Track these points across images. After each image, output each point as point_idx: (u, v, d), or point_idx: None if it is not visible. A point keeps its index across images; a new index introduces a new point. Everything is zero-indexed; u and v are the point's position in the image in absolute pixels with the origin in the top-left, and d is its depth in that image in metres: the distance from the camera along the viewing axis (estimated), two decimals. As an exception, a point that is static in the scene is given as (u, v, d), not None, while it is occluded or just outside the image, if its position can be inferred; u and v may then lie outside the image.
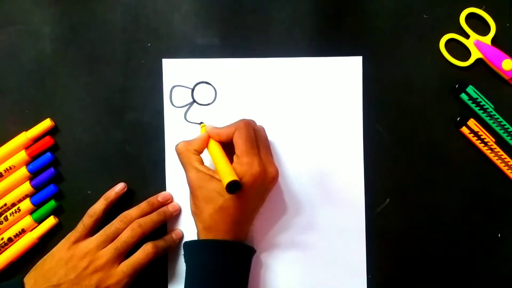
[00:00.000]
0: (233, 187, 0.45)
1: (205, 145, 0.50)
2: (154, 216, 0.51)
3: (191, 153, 0.49)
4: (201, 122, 0.54)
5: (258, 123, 0.54)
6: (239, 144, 0.47)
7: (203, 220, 0.48)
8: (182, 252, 0.53)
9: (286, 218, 0.54)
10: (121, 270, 0.48)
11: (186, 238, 0.54)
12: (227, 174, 0.45)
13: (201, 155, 0.50)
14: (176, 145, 0.50)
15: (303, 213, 0.54)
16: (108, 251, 0.48)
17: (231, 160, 0.48)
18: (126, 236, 0.49)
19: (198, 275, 0.47)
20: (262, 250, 0.54)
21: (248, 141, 0.47)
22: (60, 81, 0.54)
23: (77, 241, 0.49)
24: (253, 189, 0.47)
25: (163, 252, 0.52)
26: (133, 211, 0.51)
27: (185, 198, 0.54)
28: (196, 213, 0.49)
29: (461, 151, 0.54)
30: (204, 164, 0.49)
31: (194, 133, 0.54)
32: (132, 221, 0.50)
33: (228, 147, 0.49)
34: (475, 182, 0.55)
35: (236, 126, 0.48)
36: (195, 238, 0.50)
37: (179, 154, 0.49)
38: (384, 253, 0.54)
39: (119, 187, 0.53)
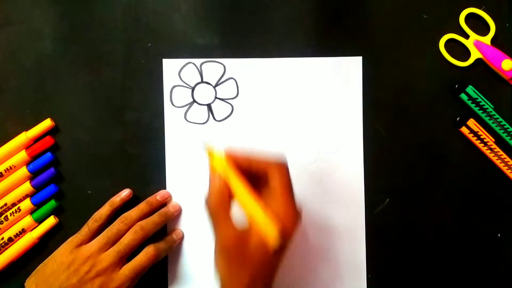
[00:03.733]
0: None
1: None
2: (155, 218, 0.51)
3: (228, 209, 0.41)
4: (208, 145, 0.44)
5: (258, 123, 0.54)
6: (281, 191, 0.41)
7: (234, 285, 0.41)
8: (182, 252, 0.54)
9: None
10: (123, 273, 0.48)
11: (186, 238, 0.54)
12: (272, 235, 0.39)
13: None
14: (207, 201, 0.41)
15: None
16: (110, 255, 0.48)
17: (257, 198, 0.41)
18: (128, 239, 0.49)
19: None
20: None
21: (290, 188, 0.41)
22: (61, 81, 0.54)
23: (80, 244, 0.49)
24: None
25: (165, 254, 0.51)
26: (133, 212, 0.51)
27: (185, 197, 0.54)
28: (225, 278, 0.42)
29: (461, 151, 0.55)
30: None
31: (194, 133, 0.54)
32: (133, 222, 0.50)
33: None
34: (475, 182, 0.55)
35: (276, 166, 0.41)
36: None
37: (213, 214, 0.41)
38: (384, 253, 0.54)
39: (125, 193, 0.52)
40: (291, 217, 0.41)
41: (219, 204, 0.41)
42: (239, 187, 0.40)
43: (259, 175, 0.42)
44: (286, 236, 0.40)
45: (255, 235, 0.40)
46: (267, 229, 0.39)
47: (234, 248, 0.40)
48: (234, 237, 0.40)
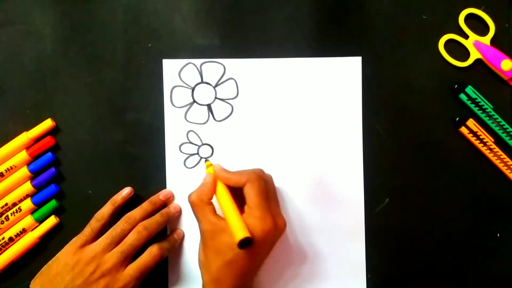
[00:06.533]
0: (245, 243, 0.44)
1: (214, 189, 0.49)
2: (158, 218, 0.51)
3: (205, 204, 0.48)
4: (207, 160, 0.54)
5: (257, 123, 0.54)
6: (252, 197, 0.46)
7: (210, 272, 0.47)
8: (183, 252, 0.54)
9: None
10: (127, 273, 0.48)
11: (187, 239, 0.54)
12: (239, 230, 0.44)
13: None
14: (189, 197, 0.49)
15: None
16: (115, 255, 0.48)
17: (238, 206, 0.47)
18: (132, 239, 0.49)
19: None
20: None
21: (261, 194, 0.46)
22: (61, 81, 0.54)
23: (84, 245, 0.49)
24: (264, 244, 0.47)
25: (168, 253, 0.52)
26: (136, 212, 0.51)
27: (185, 197, 0.54)
28: (204, 263, 0.48)
29: (460, 151, 0.55)
30: (216, 212, 0.48)
31: (194, 133, 0.54)
32: (137, 222, 0.50)
33: (234, 190, 0.48)
34: (474, 182, 0.55)
35: (248, 177, 0.47)
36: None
37: (193, 206, 0.48)
38: (384, 252, 0.54)
39: (126, 191, 0.52)
40: (260, 224, 0.45)
41: (197, 199, 0.48)
42: (221, 192, 0.48)
43: (238, 188, 0.48)
44: (257, 239, 0.45)
45: (229, 233, 0.45)
46: (234, 229, 0.44)
47: (209, 238, 0.47)
48: (210, 228, 0.47)
